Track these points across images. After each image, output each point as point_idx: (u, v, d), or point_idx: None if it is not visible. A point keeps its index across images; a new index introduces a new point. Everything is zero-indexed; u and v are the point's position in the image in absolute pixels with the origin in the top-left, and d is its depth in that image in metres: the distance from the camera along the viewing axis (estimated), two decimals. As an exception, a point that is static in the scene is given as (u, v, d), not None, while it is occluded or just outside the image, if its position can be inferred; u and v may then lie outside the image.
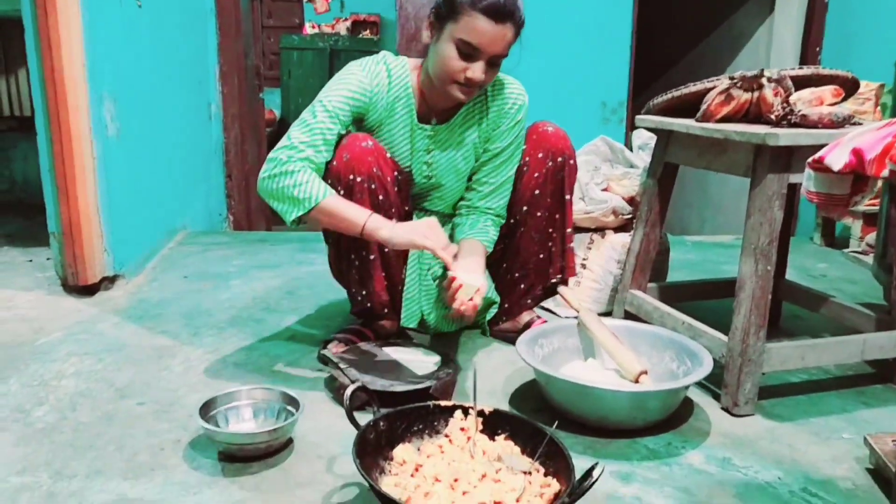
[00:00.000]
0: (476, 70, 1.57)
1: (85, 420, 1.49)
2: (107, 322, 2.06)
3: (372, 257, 1.69)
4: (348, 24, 6.60)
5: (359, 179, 1.62)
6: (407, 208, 1.77)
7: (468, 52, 1.55)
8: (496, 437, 1.29)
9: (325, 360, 1.66)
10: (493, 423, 1.31)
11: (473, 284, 1.53)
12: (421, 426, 1.32)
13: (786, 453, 1.42)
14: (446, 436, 1.31)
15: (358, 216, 1.55)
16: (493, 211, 1.81)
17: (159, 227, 2.88)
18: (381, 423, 1.28)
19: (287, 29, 6.71)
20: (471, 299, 1.52)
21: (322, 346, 1.80)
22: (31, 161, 3.81)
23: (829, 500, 1.27)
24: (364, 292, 1.74)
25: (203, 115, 3.48)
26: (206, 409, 1.40)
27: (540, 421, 1.32)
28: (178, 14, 3.10)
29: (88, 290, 2.27)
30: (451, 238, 1.83)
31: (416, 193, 1.83)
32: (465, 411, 1.33)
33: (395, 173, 1.69)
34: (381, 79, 1.68)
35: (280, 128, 6.13)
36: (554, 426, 1.25)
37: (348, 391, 1.29)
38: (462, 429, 1.31)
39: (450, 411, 1.33)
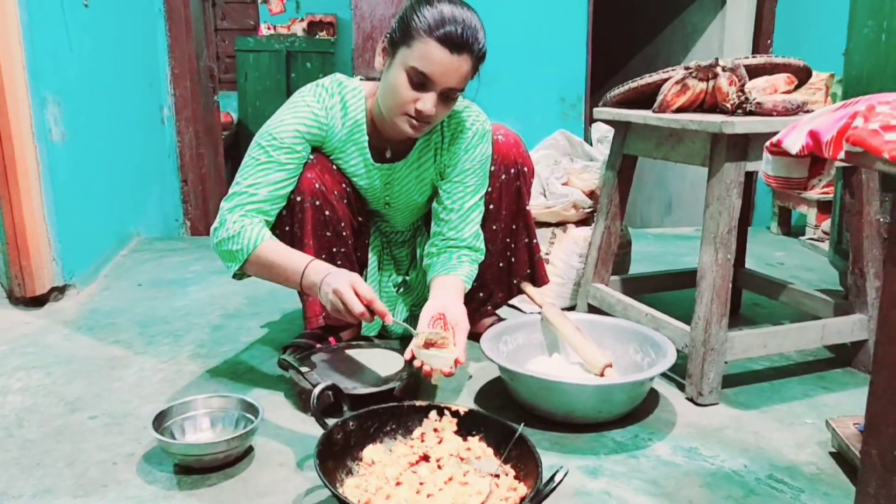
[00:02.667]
0: (427, 102, 1.42)
1: (32, 437, 1.42)
2: (56, 334, 1.98)
3: None
4: (304, 25, 6.51)
5: (299, 199, 1.55)
6: (361, 219, 1.70)
7: (420, 81, 1.41)
8: (469, 438, 1.26)
9: (285, 366, 1.62)
10: (467, 424, 1.28)
11: (438, 362, 1.36)
12: (394, 426, 1.29)
13: (751, 441, 1.42)
14: (420, 436, 1.28)
15: (296, 267, 1.42)
16: (465, 242, 1.66)
17: (111, 234, 2.79)
18: (351, 423, 1.25)
19: (242, 31, 6.59)
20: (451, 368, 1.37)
21: (282, 351, 1.75)
22: (-25, 170, 3.68)
23: (794, 486, 1.27)
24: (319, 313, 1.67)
25: (155, 119, 3.39)
26: (160, 421, 1.34)
27: (506, 419, 1.30)
28: (124, 14, 3.01)
29: (36, 302, 2.19)
30: (421, 275, 1.77)
31: (371, 210, 1.76)
32: (440, 411, 1.30)
33: (344, 185, 1.61)
34: (335, 112, 1.56)
35: (238, 130, 6.03)
36: (521, 427, 1.23)
37: (316, 390, 1.25)
38: (435, 429, 1.28)
39: (424, 411, 1.30)
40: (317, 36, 6.38)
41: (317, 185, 1.55)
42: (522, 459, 1.19)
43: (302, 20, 6.57)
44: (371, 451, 1.23)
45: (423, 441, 1.26)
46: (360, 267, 1.71)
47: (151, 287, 2.43)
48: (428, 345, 1.38)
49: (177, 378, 1.69)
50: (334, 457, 1.19)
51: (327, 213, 1.57)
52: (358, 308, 1.34)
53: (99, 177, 2.63)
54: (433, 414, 1.30)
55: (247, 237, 1.46)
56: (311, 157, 1.57)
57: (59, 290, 2.26)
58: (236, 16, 6.86)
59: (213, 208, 3.89)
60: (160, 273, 2.60)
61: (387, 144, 1.63)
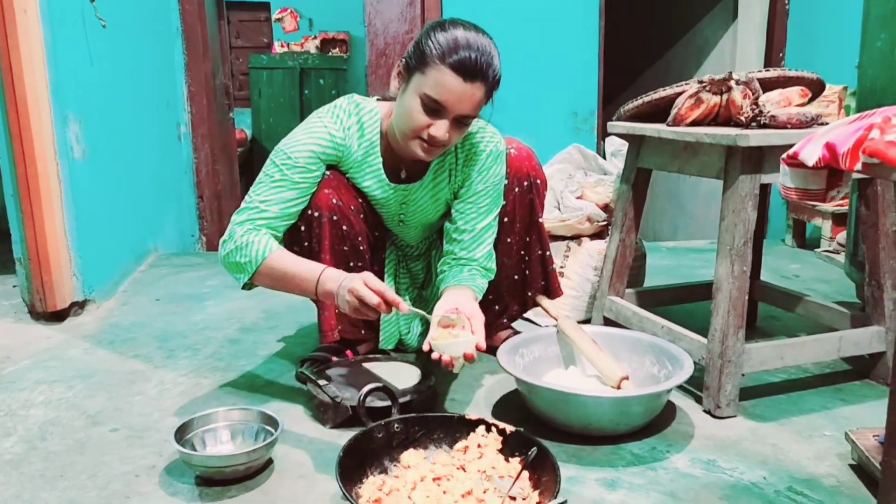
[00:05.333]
0: (440, 128, 1.43)
1: (55, 449, 1.44)
2: (77, 348, 2.01)
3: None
4: (317, 42, 6.59)
5: (316, 214, 1.56)
6: (377, 234, 1.71)
7: (433, 108, 1.42)
8: (511, 459, 1.26)
9: (303, 379, 1.64)
10: (512, 445, 1.28)
11: (459, 348, 1.37)
12: (441, 435, 1.32)
13: (769, 453, 1.42)
14: (463, 449, 1.29)
15: (309, 274, 1.43)
16: (477, 262, 1.66)
17: (130, 250, 2.82)
18: (396, 426, 1.30)
19: (256, 49, 6.68)
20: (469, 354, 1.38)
21: (300, 364, 1.77)
22: (-5, 187, 3.74)
23: (814, 498, 1.26)
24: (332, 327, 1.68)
25: (172, 136, 3.44)
26: (182, 433, 1.36)
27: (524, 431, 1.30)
28: (143, 34, 3.07)
29: (57, 317, 2.22)
30: (436, 290, 1.76)
31: (386, 226, 1.78)
32: (489, 427, 1.31)
33: (360, 201, 1.63)
34: (352, 133, 1.58)
35: (252, 147, 6.08)
36: (532, 453, 1.22)
37: (364, 390, 1.32)
38: (479, 444, 1.29)
39: (473, 425, 1.32)
40: (330, 53, 6.45)
41: (334, 201, 1.56)
42: (549, 486, 1.18)
43: (315, 37, 6.65)
44: (410, 455, 1.26)
45: (464, 453, 1.27)
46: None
47: (169, 302, 2.45)
48: (445, 326, 1.40)
49: (196, 391, 1.71)
50: (370, 454, 1.23)
51: (344, 227, 1.58)
52: (373, 300, 1.35)
53: (118, 193, 2.67)
54: (481, 429, 1.31)
55: (254, 249, 1.46)
56: (328, 173, 1.58)
57: (79, 305, 2.29)
58: (250, 34, 6.95)
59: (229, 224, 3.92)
60: (178, 288, 2.63)
61: (401, 165, 1.63)
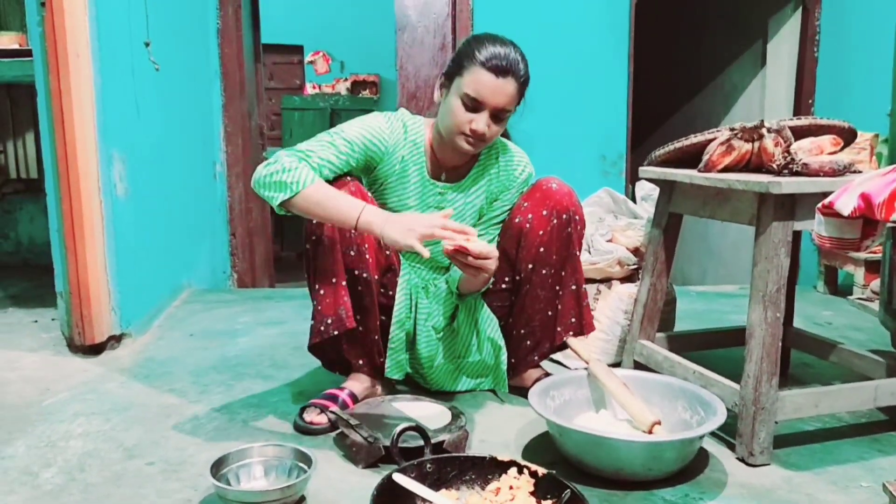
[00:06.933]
0: (480, 122, 1.65)
1: (93, 481, 1.47)
2: (114, 381, 2.05)
3: (343, 282, 1.68)
4: (348, 84, 6.74)
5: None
6: (388, 252, 1.78)
7: (473, 105, 1.65)
8: (543, 502, 1.27)
9: (303, 430, 1.66)
10: (544, 487, 1.29)
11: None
12: (473, 476, 1.33)
13: (805, 503, 1.40)
14: (496, 490, 1.29)
15: (352, 206, 1.56)
16: None
17: (165, 286, 2.88)
18: (429, 465, 1.31)
19: (288, 90, 6.85)
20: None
21: (299, 412, 1.73)
22: (36, 223, 3.84)
23: (852, 551, 1.25)
24: (327, 314, 1.67)
25: (208, 174, 3.53)
26: (217, 468, 1.38)
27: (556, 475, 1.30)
28: (185, 76, 3.18)
29: (95, 350, 2.26)
30: (468, 322, 1.90)
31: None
32: (521, 469, 1.32)
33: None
34: (398, 134, 1.76)
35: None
36: (565, 496, 1.22)
37: (398, 429, 1.35)
38: (511, 486, 1.29)
39: (505, 466, 1.33)
40: (360, 94, 6.59)
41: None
42: None
43: (346, 80, 6.80)
44: (440, 496, 1.25)
45: (496, 495, 1.27)
46: (382, 309, 1.78)
47: (203, 337, 2.49)
48: None
49: (230, 426, 1.73)
50: (402, 493, 1.23)
51: (351, 232, 1.65)
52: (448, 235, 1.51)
53: (156, 230, 2.74)
54: (513, 471, 1.32)
55: (303, 174, 1.57)
56: (353, 186, 1.66)
57: (116, 339, 2.33)
58: (283, 75, 7.13)
59: (260, 262, 3.99)
60: (211, 324, 2.67)
61: (442, 170, 1.81)
